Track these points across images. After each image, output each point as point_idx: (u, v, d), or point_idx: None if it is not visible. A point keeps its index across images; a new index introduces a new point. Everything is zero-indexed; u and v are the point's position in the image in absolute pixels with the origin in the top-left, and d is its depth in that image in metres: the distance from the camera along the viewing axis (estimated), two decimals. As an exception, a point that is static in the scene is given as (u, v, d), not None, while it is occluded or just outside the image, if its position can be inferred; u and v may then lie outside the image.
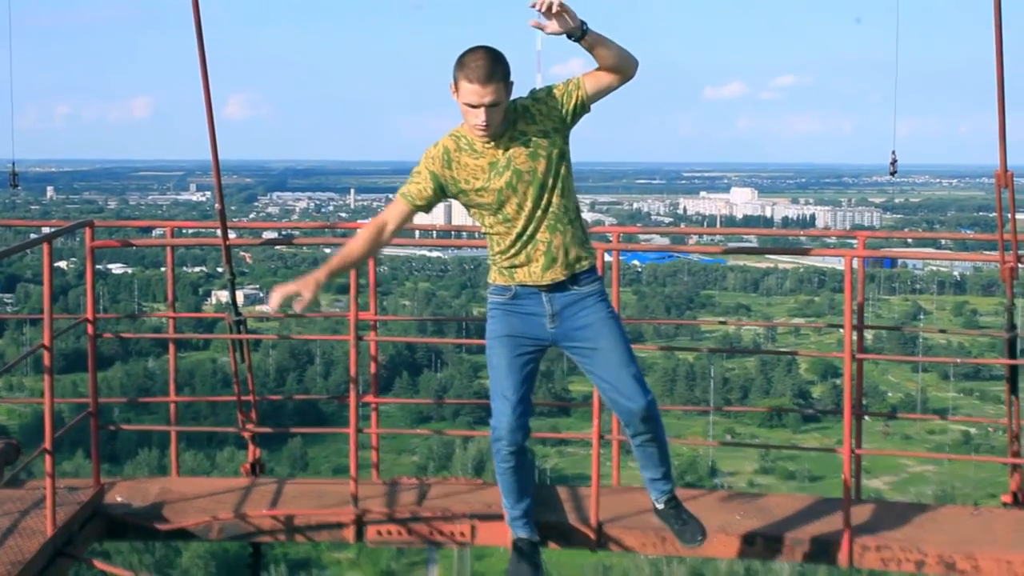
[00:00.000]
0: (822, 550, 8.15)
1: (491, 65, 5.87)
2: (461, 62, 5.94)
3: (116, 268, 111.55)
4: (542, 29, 5.82)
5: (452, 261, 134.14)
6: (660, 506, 7.01)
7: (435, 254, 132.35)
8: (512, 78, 6.00)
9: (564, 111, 6.14)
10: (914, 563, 8.04)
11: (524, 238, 6.22)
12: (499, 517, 8.28)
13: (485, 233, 6.41)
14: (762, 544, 8.21)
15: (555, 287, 6.30)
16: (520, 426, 6.41)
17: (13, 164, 13.44)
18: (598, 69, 6.09)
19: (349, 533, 8.64)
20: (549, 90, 6.17)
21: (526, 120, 6.13)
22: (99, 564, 8.24)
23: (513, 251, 6.27)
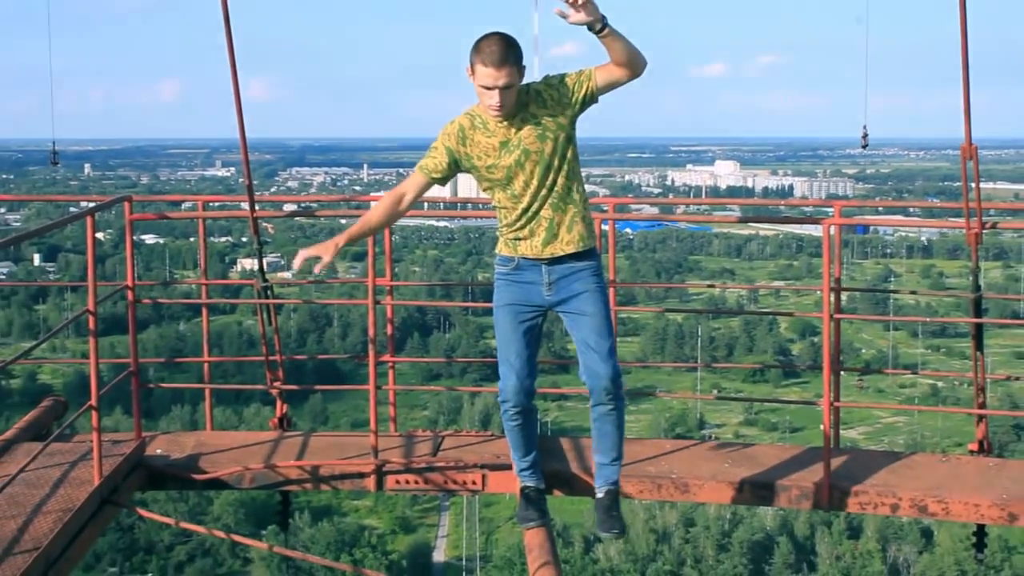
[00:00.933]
0: (804, 496, 8.17)
1: (505, 50, 5.87)
2: (477, 47, 5.92)
3: (149, 239, 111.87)
4: (565, 18, 5.71)
5: (458, 230, 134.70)
6: (600, 494, 6.79)
7: (442, 224, 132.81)
8: (524, 62, 5.96)
9: (574, 99, 6.11)
10: (889, 507, 8.07)
11: (529, 214, 6.21)
12: (507, 467, 8.31)
13: (495, 207, 6.38)
14: (750, 491, 8.23)
15: (554, 260, 6.29)
16: (524, 388, 6.43)
17: (54, 143, 13.52)
18: (610, 63, 6.01)
19: (370, 482, 8.65)
20: (562, 77, 6.14)
21: (538, 104, 6.11)
22: (142, 512, 8.29)
23: (518, 225, 6.26)
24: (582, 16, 5.67)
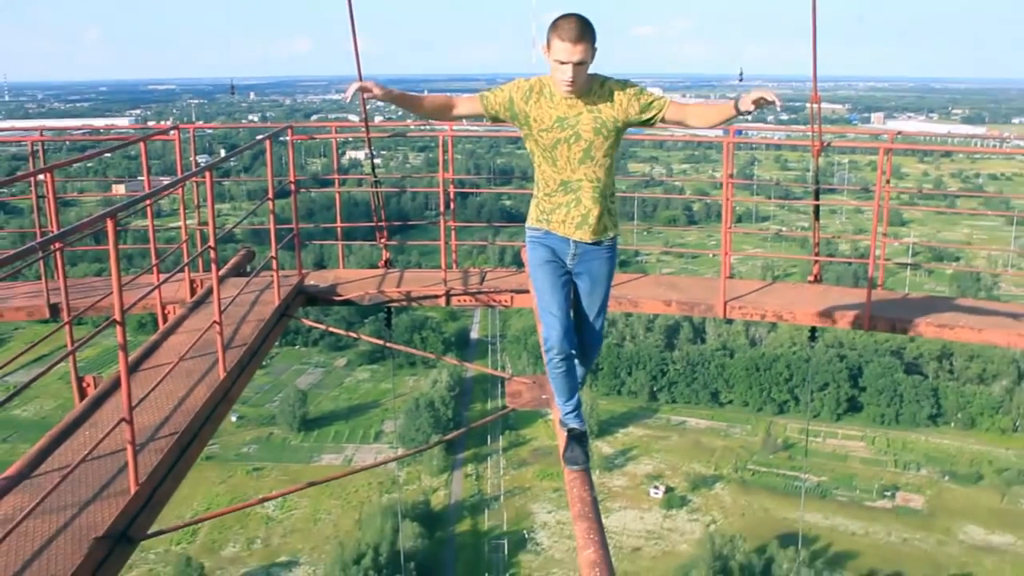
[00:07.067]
0: (709, 308, 8.25)
1: (582, 28, 4.23)
2: (555, 25, 4.28)
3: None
4: (762, 105, 4.18)
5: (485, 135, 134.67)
6: (565, 430, 5.13)
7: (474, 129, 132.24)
8: (597, 45, 4.32)
9: (639, 116, 4.50)
10: (760, 315, 8.17)
11: (565, 190, 4.57)
12: (526, 291, 8.40)
13: (535, 175, 4.70)
14: (676, 305, 8.32)
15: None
16: (568, 337, 4.72)
17: (232, 80, 13.52)
18: (691, 112, 4.53)
19: (442, 300, 8.77)
20: (639, 91, 4.51)
21: (607, 99, 4.47)
22: (304, 320, 8.39)
23: (554, 198, 4.61)
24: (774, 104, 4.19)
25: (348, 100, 4.46)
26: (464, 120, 4.82)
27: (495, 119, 4.61)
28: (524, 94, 4.52)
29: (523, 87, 4.53)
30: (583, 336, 4.92)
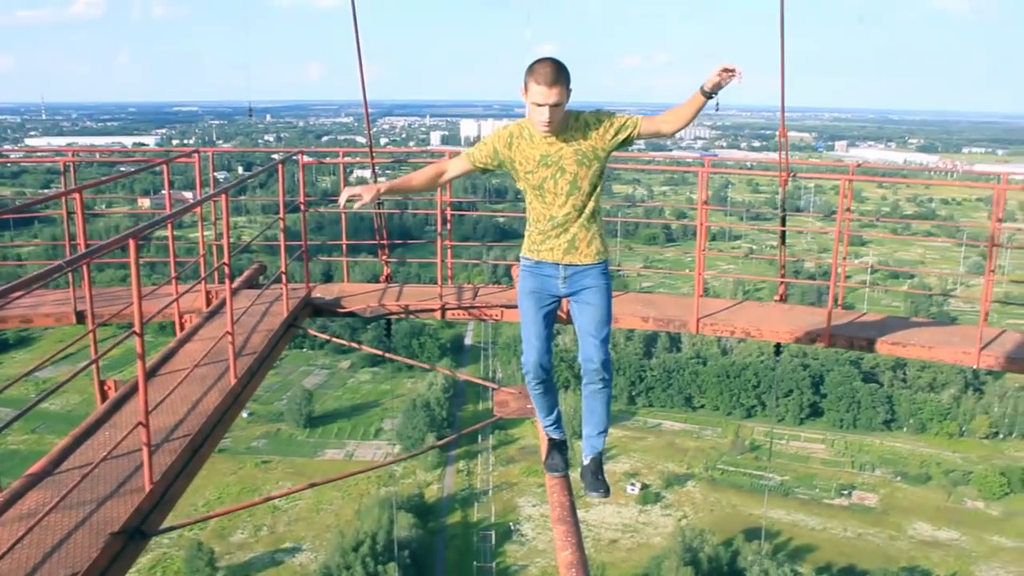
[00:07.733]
0: (683, 323, 8.24)
1: (556, 72, 4.10)
2: (531, 69, 4.15)
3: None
4: (731, 76, 4.13)
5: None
6: (586, 461, 4.81)
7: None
8: (571, 86, 4.20)
9: (615, 140, 4.36)
10: (729, 331, 8.17)
11: (555, 223, 4.44)
12: (515, 307, 8.36)
13: (526, 210, 4.57)
14: (653, 321, 8.31)
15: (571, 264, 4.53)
16: (543, 364, 4.57)
17: (250, 103, 13.61)
18: (661, 121, 4.36)
19: (437, 314, 8.70)
20: (611, 116, 4.38)
21: (584, 132, 4.35)
22: (310, 331, 8.35)
23: (546, 231, 4.47)
24: (734, 81, 4.15)
25: (342, 207, 4.36)
26: (457, 178, 4.71)
27: (485, 170, 4.55)
28: (506, 141, 4.45)
29: (503, 135, 4.46)
30: (589, 358, 4.51)
